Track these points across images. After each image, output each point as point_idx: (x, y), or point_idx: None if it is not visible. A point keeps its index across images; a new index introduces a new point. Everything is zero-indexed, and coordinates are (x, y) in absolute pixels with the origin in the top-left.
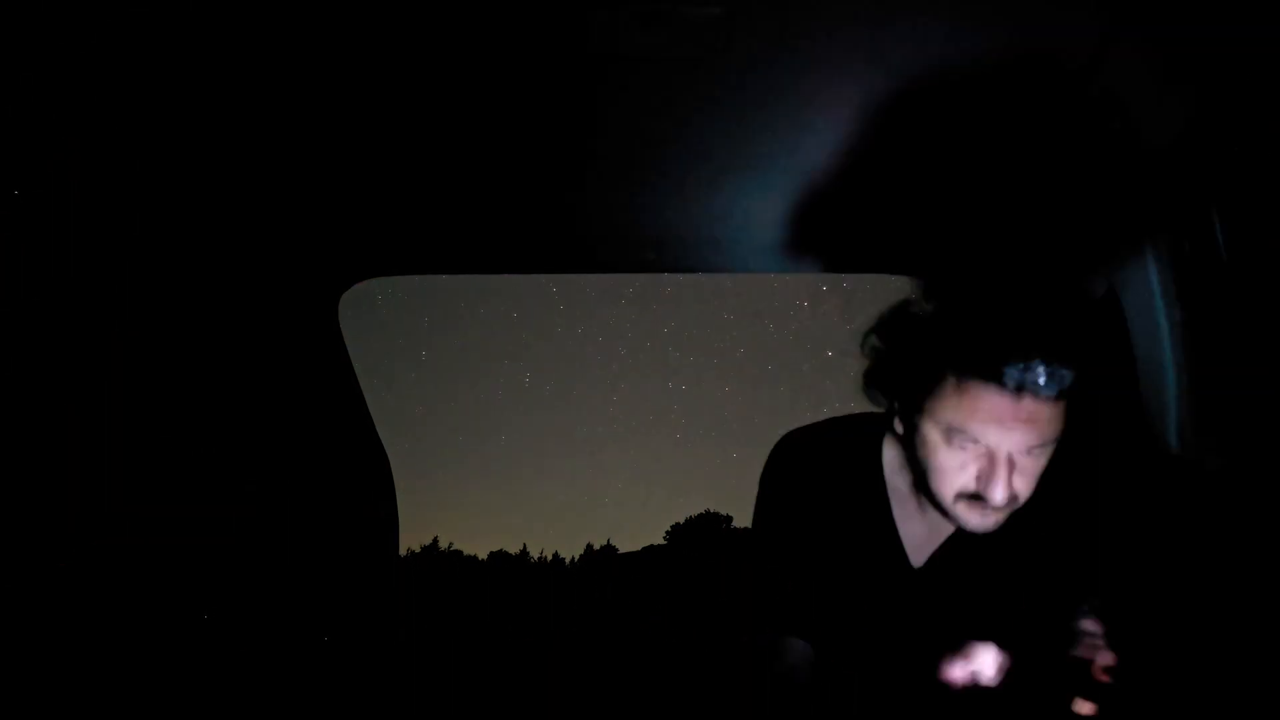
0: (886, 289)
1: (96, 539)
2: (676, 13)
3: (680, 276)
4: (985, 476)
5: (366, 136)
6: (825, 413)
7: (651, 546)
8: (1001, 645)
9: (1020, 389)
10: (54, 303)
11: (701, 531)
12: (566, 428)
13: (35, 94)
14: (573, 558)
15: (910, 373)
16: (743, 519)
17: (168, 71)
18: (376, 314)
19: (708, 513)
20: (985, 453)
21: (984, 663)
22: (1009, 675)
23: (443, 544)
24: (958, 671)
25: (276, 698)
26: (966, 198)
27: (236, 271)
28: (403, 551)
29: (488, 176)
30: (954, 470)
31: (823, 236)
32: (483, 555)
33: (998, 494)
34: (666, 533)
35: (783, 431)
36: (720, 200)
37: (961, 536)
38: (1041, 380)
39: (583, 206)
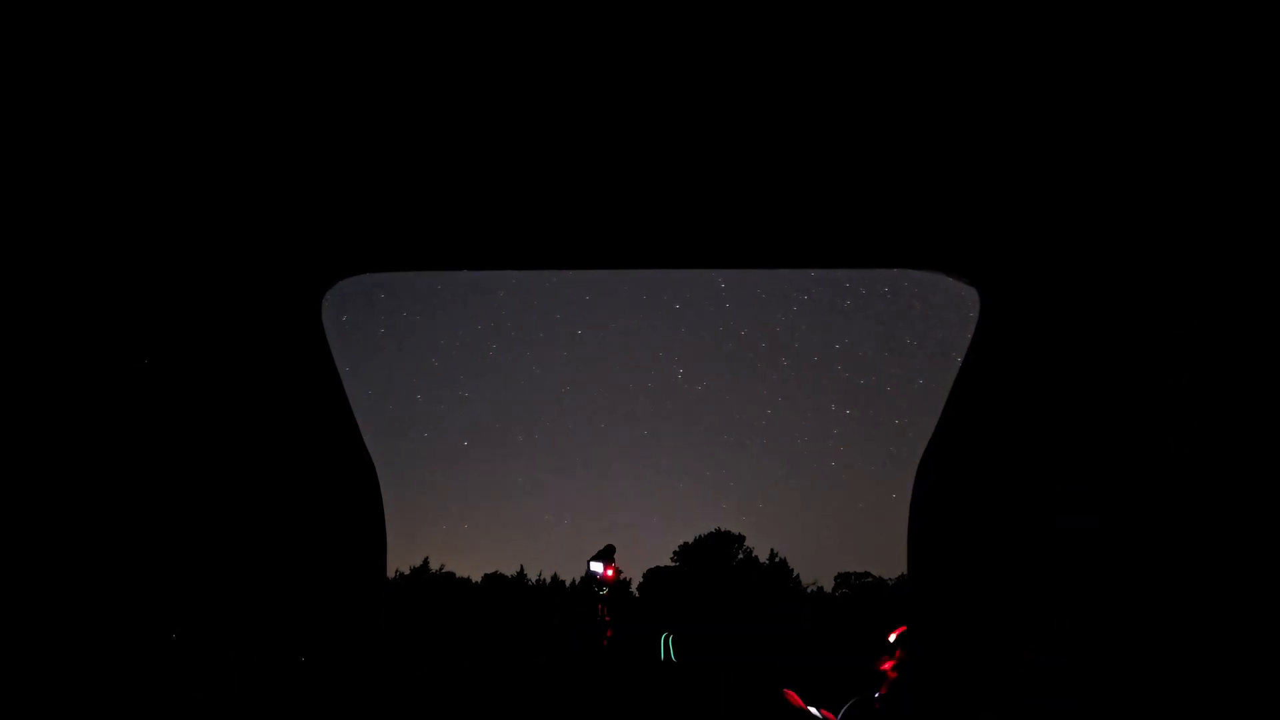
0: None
1: (64, 544)
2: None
3: (864, 289)
4: None
5: (353, 128)
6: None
7: (657, 568)
8: None
9: None
10: (29, 300)
11: (712, 551)
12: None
13: (24, 92)
14: (573, 580)
15: None
16: (762, 540)
17: (150, 66)
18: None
19: (718, 531)
20: None
21: None
22: None
23: (433, 566)
24: None
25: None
26: (978, 195)
27: (214, 268)
28: (391, 574)
29: (476, 171)
30: None
31: (830, 232)
32: (477, 578)
33: None
34: (674, 553)
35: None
36: (711, 194)
37: None
38: None
39: (571, 202)
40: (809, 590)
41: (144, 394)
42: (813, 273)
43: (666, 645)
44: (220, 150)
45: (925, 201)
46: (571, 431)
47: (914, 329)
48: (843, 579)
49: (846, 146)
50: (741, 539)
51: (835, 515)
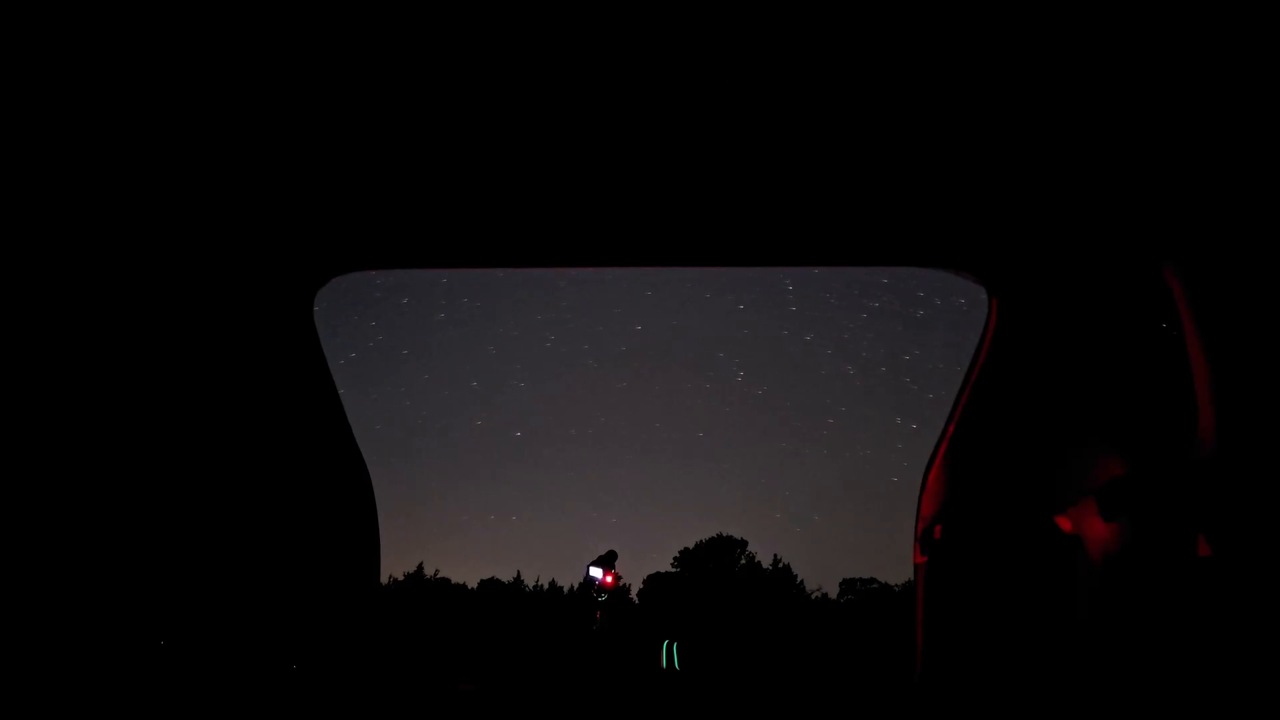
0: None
1: (50, 545)
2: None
3: (939, 299)
4: None
5: (346, 124)
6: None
7: (658, 574)
8: None
9: None
10: (17, 298)
11: (713, 557)
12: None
13: (15, 89)
14: (571, 586)
15: None
16: (761, 544)
17: (140, 63)
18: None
19: (720, 536)
20: None
21: None
22: None
23: (428, 571)
24: None
25: None
26: (984, 192)
27: (204, 266)
28: (385, 579)
29: (471, 166)
30: None
31: (836, 229)
32: (473, 584)
33: None
34: (674, 558)
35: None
36: (717, 191)
37: None
38: None
39: (569, 199)
40: (813, 596)
41: (132, 393)
42: (885, 279)
43: (669, 652)
44: (211, 147)
45: (931, 199)
46: (624, 429)
47: (970, 341)
48: (847, 584)
49: (853, 142)
50: (744, 544)
51: (890, 531)
